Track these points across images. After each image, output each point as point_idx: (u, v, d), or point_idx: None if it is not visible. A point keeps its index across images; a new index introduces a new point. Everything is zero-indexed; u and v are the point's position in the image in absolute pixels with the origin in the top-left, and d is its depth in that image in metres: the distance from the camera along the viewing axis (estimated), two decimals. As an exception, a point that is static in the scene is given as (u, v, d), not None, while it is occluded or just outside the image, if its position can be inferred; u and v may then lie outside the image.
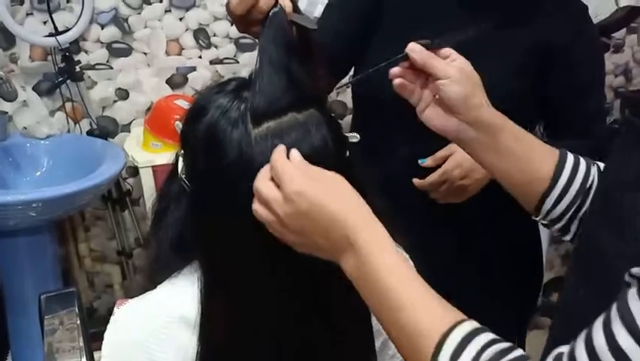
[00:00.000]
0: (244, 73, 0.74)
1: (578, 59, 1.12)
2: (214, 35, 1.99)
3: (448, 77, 0.71)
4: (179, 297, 0.69)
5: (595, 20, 1.72)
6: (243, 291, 0.67)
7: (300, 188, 0.59)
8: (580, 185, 0.74)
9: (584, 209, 0.74)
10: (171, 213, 0.72)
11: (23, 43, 1.85)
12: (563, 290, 0.52)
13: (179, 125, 0.73)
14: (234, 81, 0.70)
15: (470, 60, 1.08)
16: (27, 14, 1.83)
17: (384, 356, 0.79)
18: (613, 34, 2.22)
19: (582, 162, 0.76)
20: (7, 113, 1.84)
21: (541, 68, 1.12)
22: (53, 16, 1.81)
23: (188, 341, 0.67)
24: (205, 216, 0.68)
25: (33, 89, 1.90)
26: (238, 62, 2.02)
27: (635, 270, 0.44)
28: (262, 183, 0.62)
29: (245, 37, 2.00)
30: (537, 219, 0.78)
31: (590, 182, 0.74)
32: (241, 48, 2.01)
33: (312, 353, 0.70)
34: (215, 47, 2.00)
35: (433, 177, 1.08)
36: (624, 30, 2.23)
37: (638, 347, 0.43)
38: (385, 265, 0.57)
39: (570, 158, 0.76)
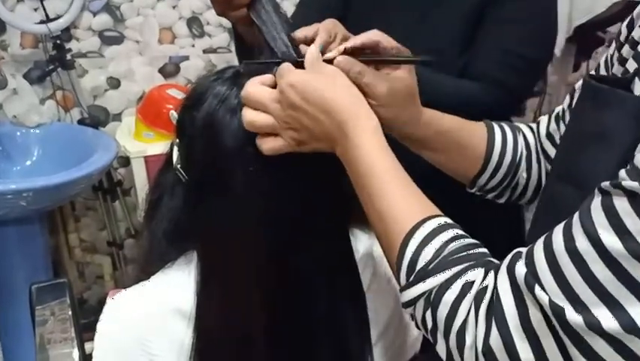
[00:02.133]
0: (237, 62, 0.74)
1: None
2: (207, 24, 1.97)
3: (375, 97, 0.66)
4: (173, 288, 0.69)
5: (591, 15, 1.72)
6: (240, 280, 0.67)
7: (294, 79, 0.61)
8: (510, 159, 0.79)
9: (517, 177, 0.80)
10: (165, 204, 0.72)
11: (14, 30, 1.82)
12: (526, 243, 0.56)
13: (174, 115, 0.72)
14: (231, 69, 0.70)
15: (419, 26, 1.05)
16: (18, 1, 1.81)
17: (380, 348, 0.79)
18: (608, 29, 2.23)
19: (509, 135, 0.80)
20: (-4, 101, 1.83)
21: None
22: (44, 3, 1.79)
23: (184, 333, 0.67)
24: (202, 205, 0.68)
25: (23, 77, 1.88)
26: (231, 52, 2.00)
27: (604, 183, 0.47)
28: (253, 86, 0.63)
29: (239, 27, 1.98)
30: (471, 190, 0.82)
31: (519, 152, 0.80)
32: (235, 38, 2.00)
33: (308, 344, 0.70)
34: (209, 35, 1.98)
35: None
36: (619, 24, 2.24)
37: (593, 249, 0.46)
38: (373, 154, 0.60)
39: (498, 135, 0.80)
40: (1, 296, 1.73)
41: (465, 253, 0.55)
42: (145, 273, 0.73)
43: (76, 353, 1.05)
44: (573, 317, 0.46)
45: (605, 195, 0.47)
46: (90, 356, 0.69)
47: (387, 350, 0.80)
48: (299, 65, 0.64)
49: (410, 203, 0.59)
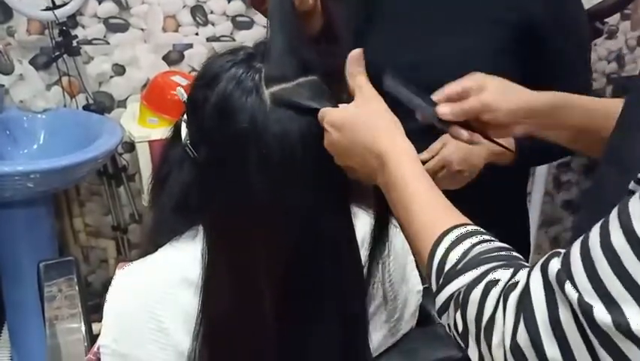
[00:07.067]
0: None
1: (558, 31, 1.05)
2: (211, 12, 1.99)
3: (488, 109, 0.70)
4: (181, 258, 0.71)
5: (588, 5, 1.73)
6: (246, 251, 0.69)
7: (332, 118, 0.66)
8: None
9: None
10: (173, 179, 0.74)
11: (21, 16, 1.85)
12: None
13: (182, 92, 0.74)
14: (242, 50, 0.72)
15: (439, 39, 1.06)
16: (24, -13, 1.83)
17: (377, 321, 0.82)
18: (606, 20, 2.24)
19: None
20: (3, 86, 1.85)
21: (519, 42, 1.06)
22: (51, -11, 1.81)
23: (190, 300, 0.69)
24: (211, 181, 0.70)
25: (30, 62, 1.90)
26: (234, 40, 2.03)
27: None
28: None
29: (242, 15, 2.00)
30: None
31: None
32: (238, 26, 2.02)
33: (313, 309, 0.72)
34: (212, 24, 2.01)
35: (432, 162, 1.06)
36: (618, 16, 2.25)
37: (629, 246, 0.44)
38: (407, 177, 0.63)
39: None
40: (7, 277, 1.77)
41: (495, 254, 0.54)
42: (153, 246, 0.75)
43: (83, 328, 1.08)
44: (601, 316, 0.44)
45: None
46: (97, 336, 0.72)
47: (386, 323, 0.83)
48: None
49: (439, 214, 0.60)
